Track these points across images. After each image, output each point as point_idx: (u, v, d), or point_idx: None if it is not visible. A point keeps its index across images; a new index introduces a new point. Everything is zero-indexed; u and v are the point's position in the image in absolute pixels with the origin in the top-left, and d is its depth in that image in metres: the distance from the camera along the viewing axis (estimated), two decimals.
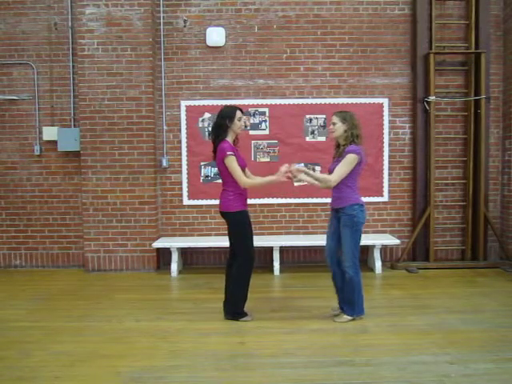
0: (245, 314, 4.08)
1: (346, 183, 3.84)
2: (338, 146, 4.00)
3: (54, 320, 4.19)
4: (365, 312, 4.04)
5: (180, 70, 6.16)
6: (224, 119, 3.93)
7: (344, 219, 3.86)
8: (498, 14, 6.15)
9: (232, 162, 3.84)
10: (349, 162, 3.78)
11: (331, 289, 4.17)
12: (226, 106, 4.08)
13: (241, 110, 4.01)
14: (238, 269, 4.03)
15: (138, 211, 5.99)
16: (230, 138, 3.96)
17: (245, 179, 3.90)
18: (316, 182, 3.91)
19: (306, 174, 3.86)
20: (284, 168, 3.87)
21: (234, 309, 4.07)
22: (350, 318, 4.00)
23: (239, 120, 3.97)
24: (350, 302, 3.99)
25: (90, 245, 6.02)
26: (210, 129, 4.13)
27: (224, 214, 4.05)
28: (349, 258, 3.89)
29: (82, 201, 6.08)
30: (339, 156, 3.90)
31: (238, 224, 4.01)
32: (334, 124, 3.91)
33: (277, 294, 4.68)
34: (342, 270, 4.00)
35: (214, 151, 4.00)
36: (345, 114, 3.93)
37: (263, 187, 4.00)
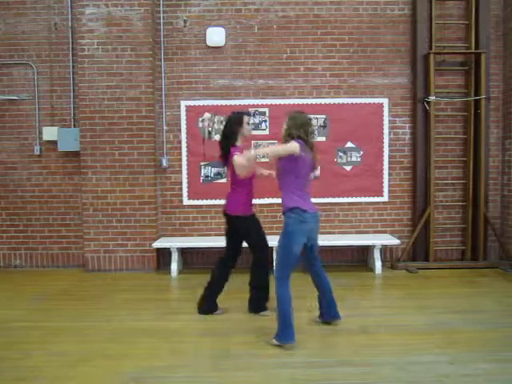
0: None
1: (288, 188, 3.59)
2: None
3: (54, 320, 4.19)
4: (294, 342, 3.47)
5: (180, 70, 6.16)
6: (234, 126, 4.10)
7: (283, 226, 3.61)
8: (497, 14, 6.15)
9: (237, 160, 3.77)
10: (287, 145, 3.51)
11: None
12: (234, 113, 4.22)
13: (248, 114, 4.16)
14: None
15: (138, 211, 5.99)
16: (239, 143, 4.12)
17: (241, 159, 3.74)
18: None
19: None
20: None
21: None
22: (275, 342, 3.51)
23: (248, 124, 4.16)
24: (277, 321, 3.56)
25: (90, 245, 6.01)
26: (220, 136, 4.25)
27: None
28: (276, 270, 3.58)
29: (81, 201, 6.08)
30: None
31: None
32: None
33: None
34: (316, 272, 3.86)
35: (223, 156, 4.11)
36: (293, 114, 3.68)
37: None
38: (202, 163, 6.19)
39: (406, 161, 6.24)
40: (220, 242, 5.90)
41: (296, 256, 3.53)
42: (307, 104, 6.14)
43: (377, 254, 5.83)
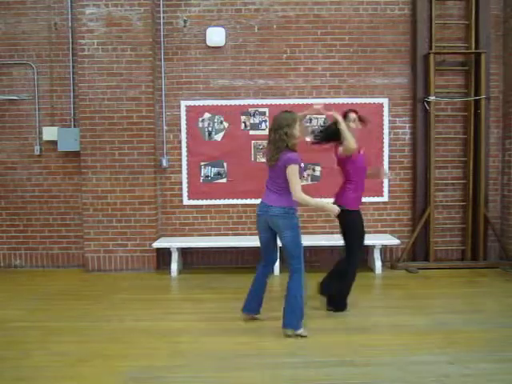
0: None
1: None
2: None
3: (54, 320, 4.20)
4: (246, 313, 4.04)
5: (180, 70, 6.16)
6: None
7: None
8: (497, 14, 6.15)
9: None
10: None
11: None
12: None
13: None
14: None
15: (138, 211, 5.99)
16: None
17: None
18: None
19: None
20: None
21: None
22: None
23: None
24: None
25: (90, 245, 6.01)
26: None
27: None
28: None
29: (82, 201, 6.08)
30: None
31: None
32: None
33: (276, 294, 4.66)
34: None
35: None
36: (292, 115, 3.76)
37: None
38: (202, 163, 6.19)
39: (406, 161, 6.24)
40: (220, 241, 5.95)
41: (261, 242, 3.94)
42: (307, 104, 6.13)
43: (377, 254, 5.83)
